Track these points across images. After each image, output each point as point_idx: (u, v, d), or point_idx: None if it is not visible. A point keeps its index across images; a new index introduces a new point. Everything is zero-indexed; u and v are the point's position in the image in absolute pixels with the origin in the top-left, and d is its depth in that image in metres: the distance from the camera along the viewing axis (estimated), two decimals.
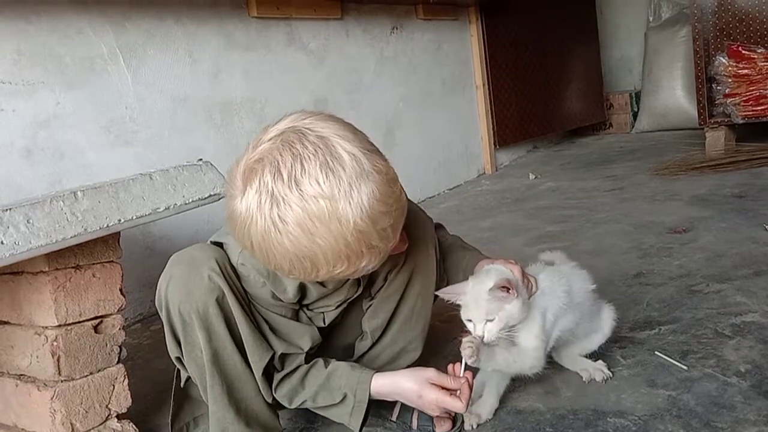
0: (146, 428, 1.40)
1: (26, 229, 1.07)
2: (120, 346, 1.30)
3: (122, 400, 1.30)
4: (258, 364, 1.16)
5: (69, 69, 2.02)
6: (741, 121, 3.38)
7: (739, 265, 1.87)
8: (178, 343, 1.17)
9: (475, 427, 1.25)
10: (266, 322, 1.18)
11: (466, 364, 1.16)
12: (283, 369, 1.20)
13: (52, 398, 1.21)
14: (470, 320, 1.18)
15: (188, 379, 1.26)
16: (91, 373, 1.25)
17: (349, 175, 0.92)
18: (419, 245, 1.26)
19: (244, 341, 1.14)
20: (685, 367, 1.35)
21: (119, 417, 1.29)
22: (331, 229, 0.93)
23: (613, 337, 1.52)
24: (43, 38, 1.96)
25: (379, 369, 1.30)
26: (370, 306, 1.29)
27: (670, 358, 1.39)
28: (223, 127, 2.46)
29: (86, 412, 1.24)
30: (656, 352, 1.43)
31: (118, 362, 1.30)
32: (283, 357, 1.19)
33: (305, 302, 1.21)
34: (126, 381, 1.30)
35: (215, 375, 1.15)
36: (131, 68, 2.17)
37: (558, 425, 1.22)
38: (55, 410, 1.21)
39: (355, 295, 1.25)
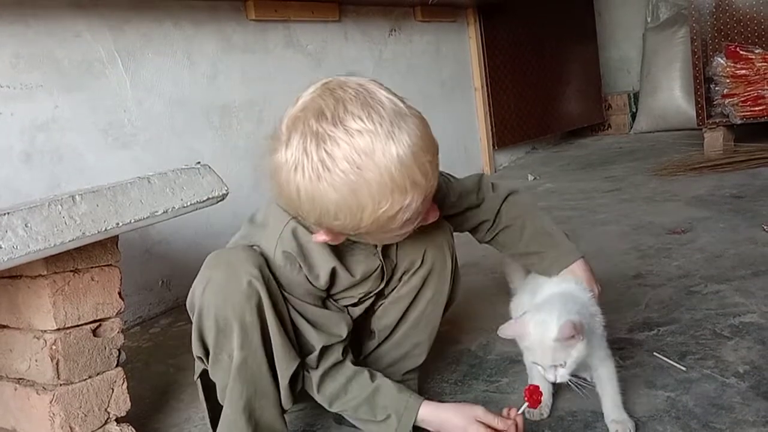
0: (145, 431, 1.40)
1: (24, 233, 1.08)
2: (119, 350, 1.30)
3: (121, 403, 1.30)
4: (286, 371, 1.15)
5: (67, 72, 2.02)
6: (739, 122, 3.38)
7: (737, 266, 1.88)
8: (204, 345, 1.15)
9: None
10: (302, 316, 1.17)
11: (522, 409, 1.15)
12: (319, 365, 1.18)
13: (51, 402, 1.21)
14: (537, 363, 1.15)
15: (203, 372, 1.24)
16: (90, 377, 1.25)
17: (389, 114, 0.96)
18: (438, 249, 1.26)
19: (274, 348, 1.13)
20: (683, 368, 1.35)
21: (118, 420, 1.29)
22: (376, 162, 0.94)
23: (611, 338, 1.53)
24: (42, 42, 1.96)
25: (383, 370, 1.30)
26: (381, 305, 1.30)
27: (669, 359, 1.39)
28: (222, 129, 2.47)
29: (85, 415, 1.24)
30: (655, 353, 1.43)
31: (117, 366, 1.30)
32: (322, 351, 1.18)
33: (332, 292, 1.21)
34: (125, 384, 1.30)
35: (238, 381, 1.13)
36: (129, 71, 2.17)
37: (556, 426, 1.22)
38: (54, 414, 1.21)
39: (378, 289, 1.25)
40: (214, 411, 1.25)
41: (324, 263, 1.15)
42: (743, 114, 3.36)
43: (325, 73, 3.20)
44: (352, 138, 0.94)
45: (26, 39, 1.93)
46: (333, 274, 1.17)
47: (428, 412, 1.17)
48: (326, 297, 1.22)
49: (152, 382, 1.65)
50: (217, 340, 1.12)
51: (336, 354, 1.20)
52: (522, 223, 1.33)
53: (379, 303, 1.30)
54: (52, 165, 1.97)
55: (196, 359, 1.21)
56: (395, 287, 1.28)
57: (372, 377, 1.20)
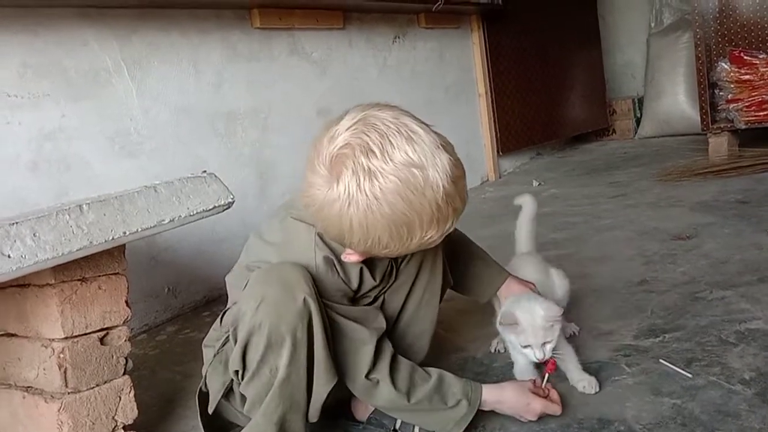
0: None
1: (32, 242, 1.08)
2: (126, 358, 1.31)
3: (128, 411, 1.30)
4: (324, 387, 1.16)
5: (74, 81, 2.03)
6: (744, 127, 3.38)
7: (743, 272, 1.87)
8: (244, 360, 1.16)
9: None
10: (346, 317, 1.19)
11: (546, 378, 1.31)
12: (378, 364, 1.20)
13: (59, 410, 1.22)
14: (528, 345, 1.34)
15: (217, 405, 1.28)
16: (97, 385, 1.26)
17: (429, 146, 1.03)
18: None
19: (317, 364, 1.14)
20: (689, 375, 1.35)
21: (126, 428, 1.30)
22: (426, 195, 1.01)
23: (617, 345, 1.53)
24: (49, 51, 1.98)
25: None
26: (383, 298, 1.32)
27: (675, 366, 1.39)
28: (227, 137, 2.48)
29: (93, 423, 1.25)
30: (661, 360, 1.43)
31: (124, 374, 1.30)
32: (377, 349, 1.20)
33: (357, 294, 1.25)
34: (132, 392, 1.31)
35: (278, 396, 1.14)
36: (136, 80, 2.19)
37: None
38: (62, 422, 1.22)
39: (389, 286, 1.29)
40: (210, 427, 1.29)
41: (353, 266, 1.20)
42: (748, 119, 3.36)
43: (330, 81, 3.21)
44: (402, 173, 1.00)
45: (34, 49, 1.95)
46: (360, 275, 1.21)
47: (490, 392, 1.26)
48: (354, 297, 1.26)
49: (159, 390, 1.66)
50: (264, 355, 1.12)
51: (389, 347, 1.23)
52: (460, 248, 1.49)
53: (381, 297, 1.32)
54: (59, 174, 1.98)
55: (232, 374, 1.20)
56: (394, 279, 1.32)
57: (425, 370, 1.25)
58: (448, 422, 1.23)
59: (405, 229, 1.03)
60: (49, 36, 1.98)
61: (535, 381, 1.31)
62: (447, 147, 1.05)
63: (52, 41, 1.99)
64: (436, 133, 1.06)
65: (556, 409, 1.27)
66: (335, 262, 1.18)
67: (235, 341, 1.16)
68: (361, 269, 1.21)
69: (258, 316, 1.11)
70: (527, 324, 1.33)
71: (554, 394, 1.29)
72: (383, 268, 1.26)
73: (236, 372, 1.18)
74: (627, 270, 2.05)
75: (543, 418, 1.27)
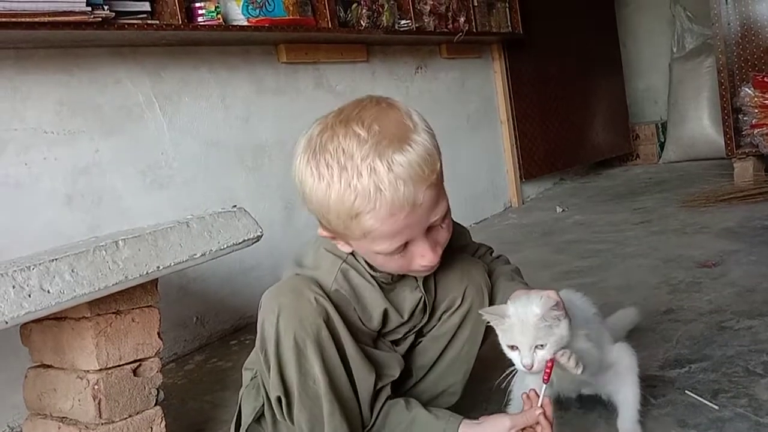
0: None
1: (71, 278, 1.13)
2: (158, 389, 1.35)
3: None
4: (366, 381, 1.15)
5: (107, 117, 2.11)
6: None
7: None
8: (283, 381, 1.13)
9: None
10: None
11: (544, 390, 1.08)
12: (374, 406, 1.19)
13: None
14: (513, 346, 1.07)
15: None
16: (130, 416, 1.30)
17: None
18: (477, 288, 1.29)
19: (350, 361, 1.14)
20: (716, 407, 1.34)
21: None
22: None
23: (641, 376, 1.53)
24: (84, 89, 2.06)
25: None
26: (420, 343, 1.32)
27: (701, 397, 1.39)
28: (255, 169, 2.53)
29: None
30: (686, 391, 1.42)
31: (155, 404, 1.34)
32: (376, 393, 1.19)
33: (383, 331, 1.24)
34: (163, 423, 1.35)
35: (334, 402, 1.12)
36: (167, 115, 2.26)
37: None
38: None
39: (421, 324, 1.28)
40: None
41: (377, 306, 1.20)
42: None
43: None
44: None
45: (69, 87, 2.02)
46: (385, 315, 1.21)
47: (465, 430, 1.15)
48: (377, 336, 1.25)
49: (189, 420, 1.69)
50: (299, 365, 1.11)
51: (386, 395, 1.20)
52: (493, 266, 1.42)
53: (418, 341, 1.32)
54: (92, 207, 2.04)
55: (274, 402, 1.17)
56: (434, 326, 1.31)
57: (407, 406, 1.19)
58: None
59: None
60: (84, 75, 2.06)
61: (530, 393, 1.12)
62: None
63: (87, 80, 2.07)
64: None
65: None
66: (352, 301, 1.18)
67: (268, 367, 1.14)
68: (385, 311, 1.20)
69: (280, 326, 1.11)
70: (516, 318, 1.06)
71: (545, 424, 1.10)
72: (411, 301, 1.25)
73: (279, 399, 1.14)
74: (652, 299, 2.04)
75: None
